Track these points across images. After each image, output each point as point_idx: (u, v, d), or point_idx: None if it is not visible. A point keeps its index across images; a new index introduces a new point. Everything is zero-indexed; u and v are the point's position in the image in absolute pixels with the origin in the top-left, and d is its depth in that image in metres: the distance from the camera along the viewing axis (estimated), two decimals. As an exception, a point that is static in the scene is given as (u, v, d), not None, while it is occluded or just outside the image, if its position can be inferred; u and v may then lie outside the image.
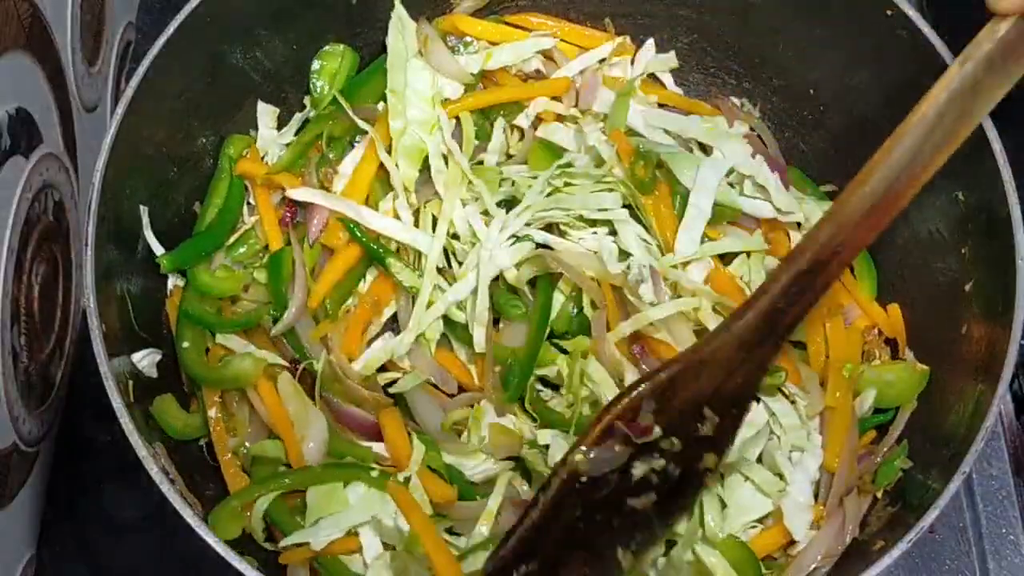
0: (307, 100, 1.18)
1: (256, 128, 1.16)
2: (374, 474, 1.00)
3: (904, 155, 0.89)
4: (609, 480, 0.90)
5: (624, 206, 1.08)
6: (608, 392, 1.01)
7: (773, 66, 1.19)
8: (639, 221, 1.08)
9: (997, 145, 0.97)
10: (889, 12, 1.03)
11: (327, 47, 1.17)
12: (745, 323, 0.91)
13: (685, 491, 0.94)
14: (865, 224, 0.90)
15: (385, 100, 1.13)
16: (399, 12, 1.14)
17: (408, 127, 1.10)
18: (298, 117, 1.18)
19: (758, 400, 1.04)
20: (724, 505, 1.01)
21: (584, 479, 0.90)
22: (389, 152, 1.11)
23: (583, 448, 0.90)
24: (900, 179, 0.89)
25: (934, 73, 1.01)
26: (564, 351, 1.05)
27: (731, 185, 1.12)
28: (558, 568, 0.90)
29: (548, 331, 1.05)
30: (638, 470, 0.90)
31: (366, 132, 1.13)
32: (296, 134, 1.16)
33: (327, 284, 1.07)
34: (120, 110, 0.97)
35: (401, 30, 1.14)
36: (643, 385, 0.91)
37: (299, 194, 1.10)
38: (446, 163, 1.10)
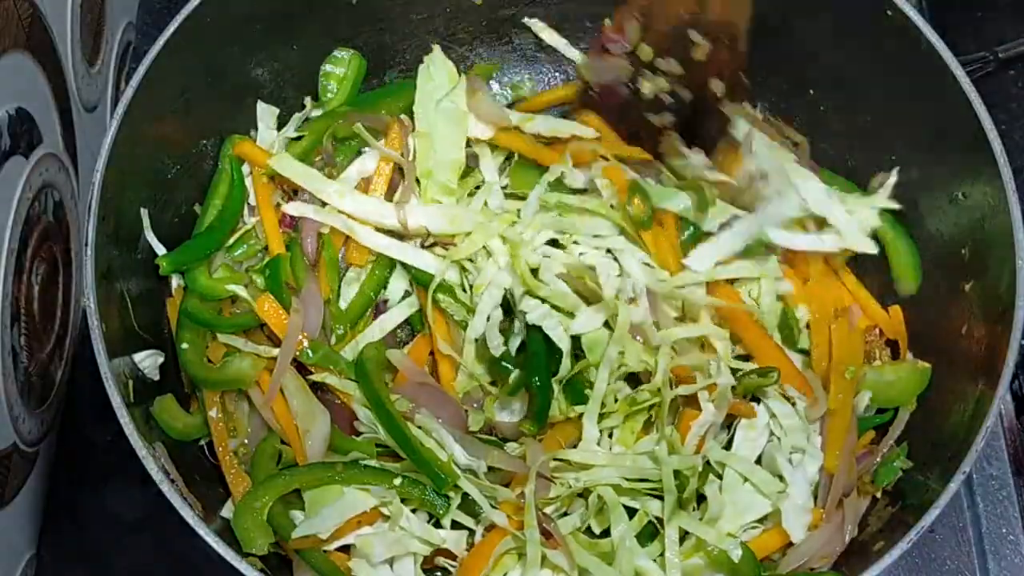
0: (307, 100, 1.18)
1: (256, 128, 1.16)
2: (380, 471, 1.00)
3: None
4: (619, 92, 1.08)
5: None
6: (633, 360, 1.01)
7: (770, 67, 1.19)
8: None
9: (997, 145, 0.97)
10: (889, 12, 1.03)
11: (336, 52, 1.17)
12: None
13: (703, 122, 1.09)
14: None
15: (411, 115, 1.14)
16: (437, 55, 1.15)
17: (435, 171, 1.11)
18: (297, 117, 1.17)
19: (758, 401, 1.05)
20: (723, 504, 1.01)
21: (595, 89, 1.10)
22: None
23: (582, 57, 1.11)
24: None
25: (934, 73, 1.01)
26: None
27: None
28: None
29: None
30: (647, 88, 1.08)
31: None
32: (296, 131, 1.16)
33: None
34: (120, 110, 0.97)
35: (434, 72, 1.14)
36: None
37: (293, 208, 1.10)
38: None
